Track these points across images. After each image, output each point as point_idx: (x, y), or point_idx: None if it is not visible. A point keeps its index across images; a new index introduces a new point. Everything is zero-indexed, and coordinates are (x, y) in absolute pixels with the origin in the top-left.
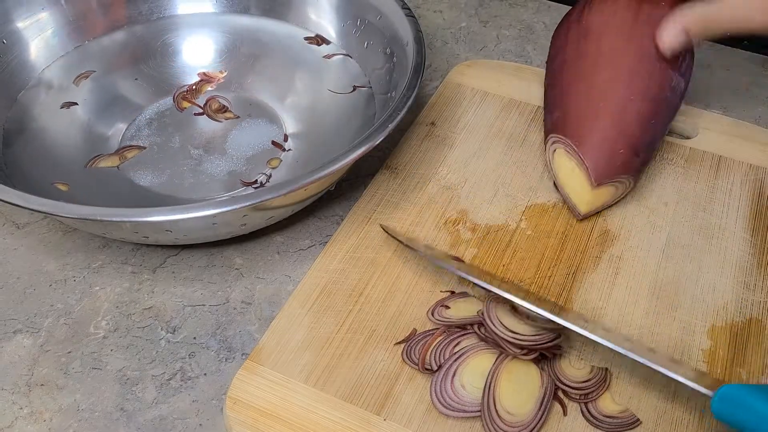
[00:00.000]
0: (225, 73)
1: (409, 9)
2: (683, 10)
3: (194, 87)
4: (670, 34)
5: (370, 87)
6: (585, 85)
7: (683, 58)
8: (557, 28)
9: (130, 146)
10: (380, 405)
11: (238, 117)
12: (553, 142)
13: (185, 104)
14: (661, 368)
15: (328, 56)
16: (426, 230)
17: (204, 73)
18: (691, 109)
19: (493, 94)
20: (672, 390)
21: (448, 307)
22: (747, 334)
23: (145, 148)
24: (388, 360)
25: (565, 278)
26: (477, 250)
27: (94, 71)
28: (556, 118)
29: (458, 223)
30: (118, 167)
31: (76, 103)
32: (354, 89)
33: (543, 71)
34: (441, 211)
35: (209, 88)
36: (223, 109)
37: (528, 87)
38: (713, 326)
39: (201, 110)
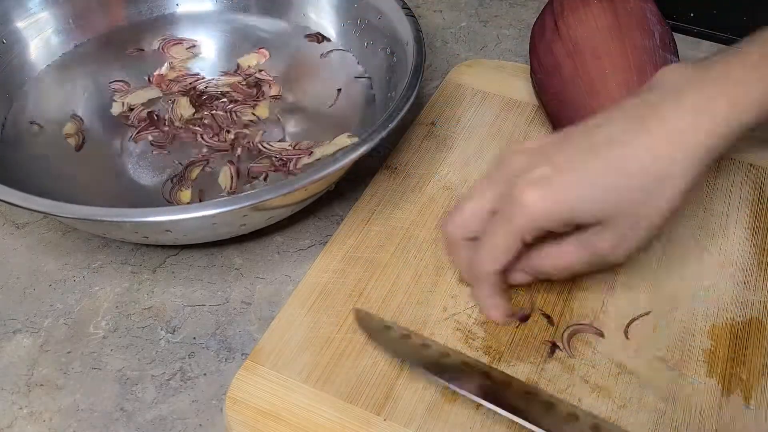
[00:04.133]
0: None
1: (409, 9)
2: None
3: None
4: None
5: (371, 87)
6: (599, 100)
7: (669, 38)
8: (535, 47)
9: (80, 134)
10: (380, 405)
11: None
12: None
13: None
14: None
15: (328, 55)
16: (426, 230)
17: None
18: None
19: (493, 94)
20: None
21: None
22: (747, 334)
23: (80, 149)
24: (388, 360)
25: (565, 278)
26: None
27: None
28: None
29: None
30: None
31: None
32: (354, 88)
33: None
34: (441, 211)
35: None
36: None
37: (528, 87)
38: (713, 326)
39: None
